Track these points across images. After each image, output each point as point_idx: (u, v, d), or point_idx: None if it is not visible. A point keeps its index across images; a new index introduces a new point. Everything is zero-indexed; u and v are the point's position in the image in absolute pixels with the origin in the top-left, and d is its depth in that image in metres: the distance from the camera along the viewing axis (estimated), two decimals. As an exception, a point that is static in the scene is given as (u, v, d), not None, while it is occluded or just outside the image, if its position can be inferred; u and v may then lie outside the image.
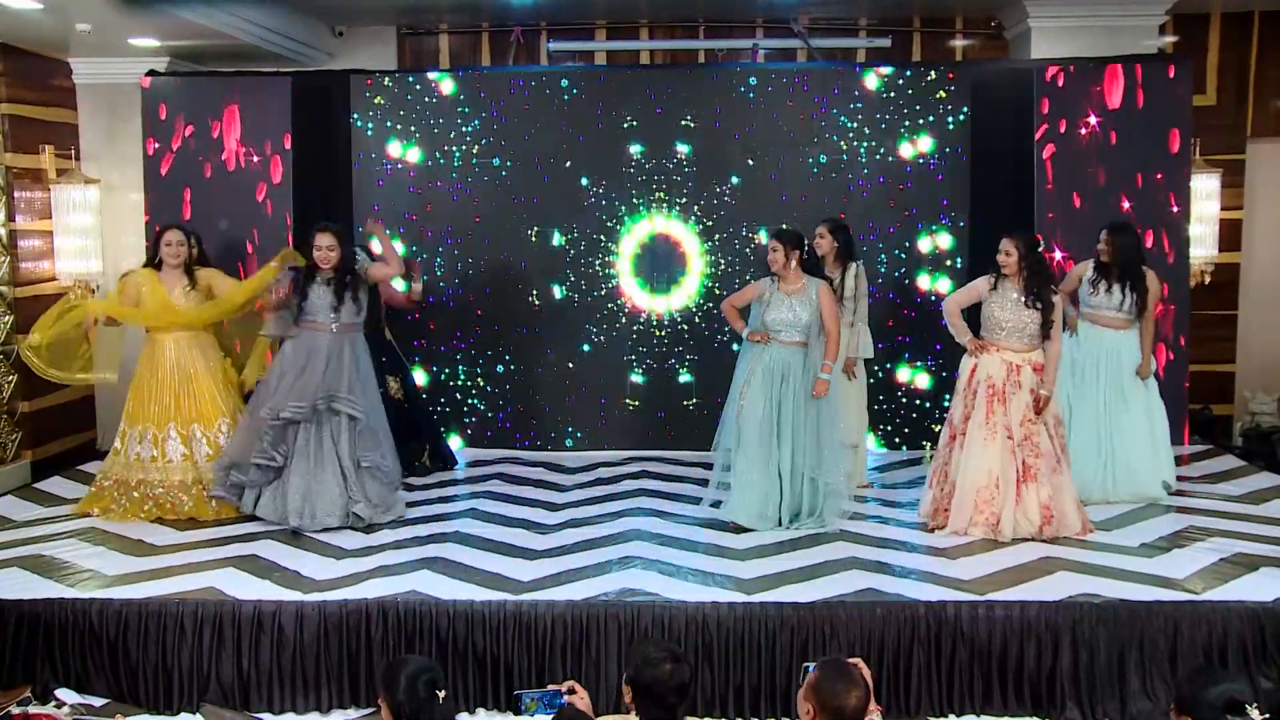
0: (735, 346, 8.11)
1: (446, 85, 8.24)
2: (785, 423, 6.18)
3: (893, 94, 8.05)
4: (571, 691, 3.75)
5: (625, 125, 8.15)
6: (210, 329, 6.79)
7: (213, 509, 6.50)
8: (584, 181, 8.19)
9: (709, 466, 6.65)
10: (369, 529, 6.29)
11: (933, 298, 7.96)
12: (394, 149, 8.24)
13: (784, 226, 6.62)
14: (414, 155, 8.24)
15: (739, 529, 6.18)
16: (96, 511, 6.58)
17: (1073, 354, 6.81)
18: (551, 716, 3.63)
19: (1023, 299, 6.05)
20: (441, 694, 3.38)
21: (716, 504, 6.41)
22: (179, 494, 6.51)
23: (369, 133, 8.24)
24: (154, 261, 6.68)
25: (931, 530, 6.17)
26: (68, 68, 9.10)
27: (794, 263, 6.22)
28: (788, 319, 6.20)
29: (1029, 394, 6.05)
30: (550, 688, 3.83)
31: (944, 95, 8.02)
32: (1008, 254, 6.09)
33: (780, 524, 6.20)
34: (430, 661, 3.68)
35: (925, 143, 8.04)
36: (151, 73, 8.31)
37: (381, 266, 6.73)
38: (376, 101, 8.23)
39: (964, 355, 6.30)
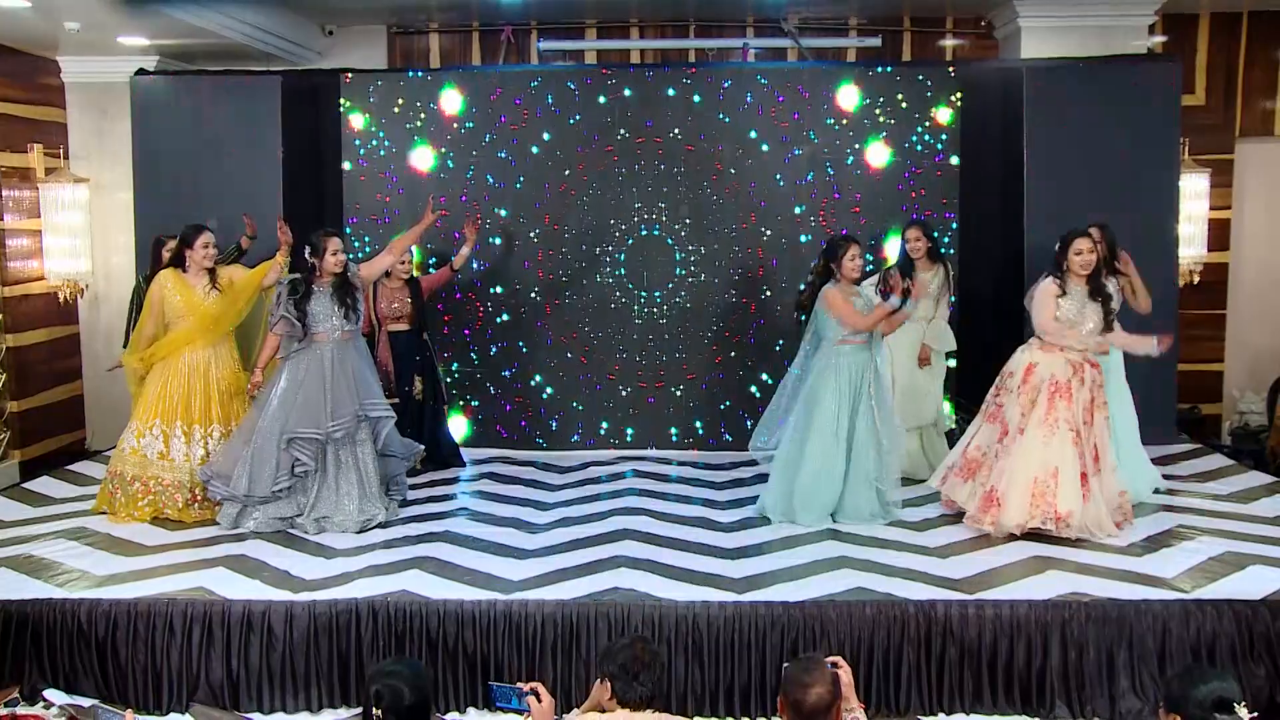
0: (729, 346, 8.18)
1: (436, 84, 8.22)
2: (859, 416, 6.30)
3: (883, 93, 8.05)
4: (533, 693, 3.66)
5: (617, 124, 8.14)
6: (231, 335, 6.75)
7: (195, 514, 6.49)
8: (576, 180, 8.17)
9: (698, 465, 6.64)
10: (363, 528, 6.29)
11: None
12: (383, 148, 8.21)
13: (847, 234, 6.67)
14: (403, 154, 8.21)
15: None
16: (106, 508, 6.58)
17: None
18: None
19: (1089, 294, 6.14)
20: None
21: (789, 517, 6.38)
22: (174, 493, 6.49)
23: (357, 135, 8.21)
24: (173, 262, 6.62)
25: (976, 524, 6.09)
26: (57, 66, 9.08)
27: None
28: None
29: (1091, 391, 6.11)
30: (517, 685, 3.78)
31: (934, 95, 8.03)
32: (1089, 250, 6.13)
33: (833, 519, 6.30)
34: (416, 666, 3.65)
35: (915, 142, 8.03)
36: (141, 71, 8.28)
37: (368, 265, 6.71)
38: (366, 101, 8.21)
39: (1016, 352, 6.32)
